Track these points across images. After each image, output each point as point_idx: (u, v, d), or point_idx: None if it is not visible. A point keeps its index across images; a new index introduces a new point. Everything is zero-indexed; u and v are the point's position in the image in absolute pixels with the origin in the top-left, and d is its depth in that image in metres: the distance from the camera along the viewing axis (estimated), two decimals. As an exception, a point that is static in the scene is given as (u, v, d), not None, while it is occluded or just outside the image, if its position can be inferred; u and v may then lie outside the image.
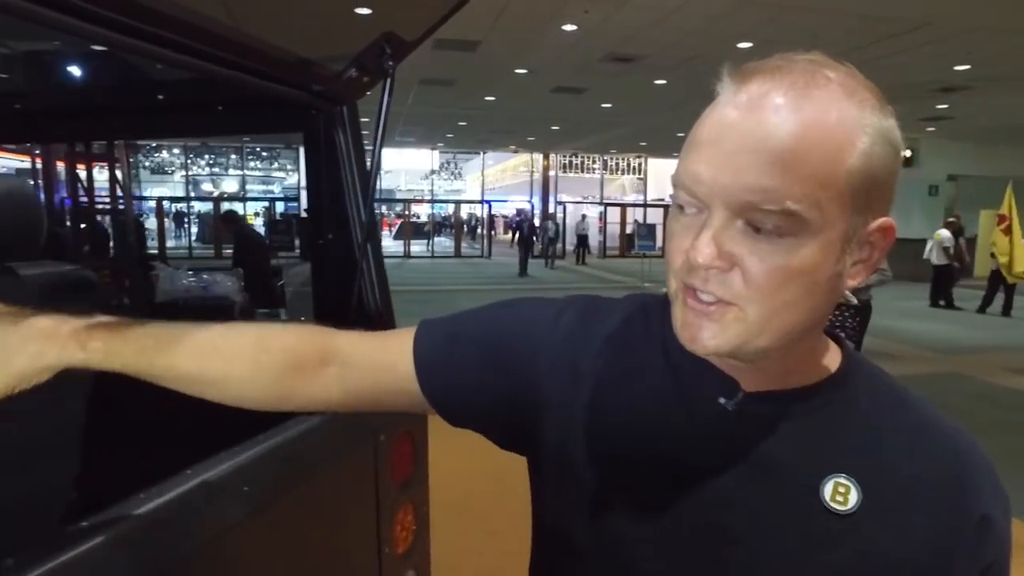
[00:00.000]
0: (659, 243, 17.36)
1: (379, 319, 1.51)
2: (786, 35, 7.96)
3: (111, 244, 7.82)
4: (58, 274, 1.32)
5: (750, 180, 0.51)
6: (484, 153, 29.04)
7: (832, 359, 0.64)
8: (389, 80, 1.38)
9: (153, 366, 0.67)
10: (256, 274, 6.61)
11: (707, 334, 0.56)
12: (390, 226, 28.92)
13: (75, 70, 1.82)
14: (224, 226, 7.62)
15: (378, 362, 0.72)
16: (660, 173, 28.51)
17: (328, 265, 1.54)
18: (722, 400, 0.61)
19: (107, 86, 1.78)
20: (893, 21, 7.63)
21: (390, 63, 1.37)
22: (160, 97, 1.66)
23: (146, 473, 0.94)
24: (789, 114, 0.51)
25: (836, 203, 0.52)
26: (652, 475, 0.63)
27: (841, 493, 0.58)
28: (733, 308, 0.54)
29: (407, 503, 1.54)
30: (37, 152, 11.52)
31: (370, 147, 1.58)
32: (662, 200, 26.08)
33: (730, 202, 0.52)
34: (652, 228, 16.09)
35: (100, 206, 7.78)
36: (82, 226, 7.52)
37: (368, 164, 1.60)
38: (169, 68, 1.65)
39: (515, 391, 0.69)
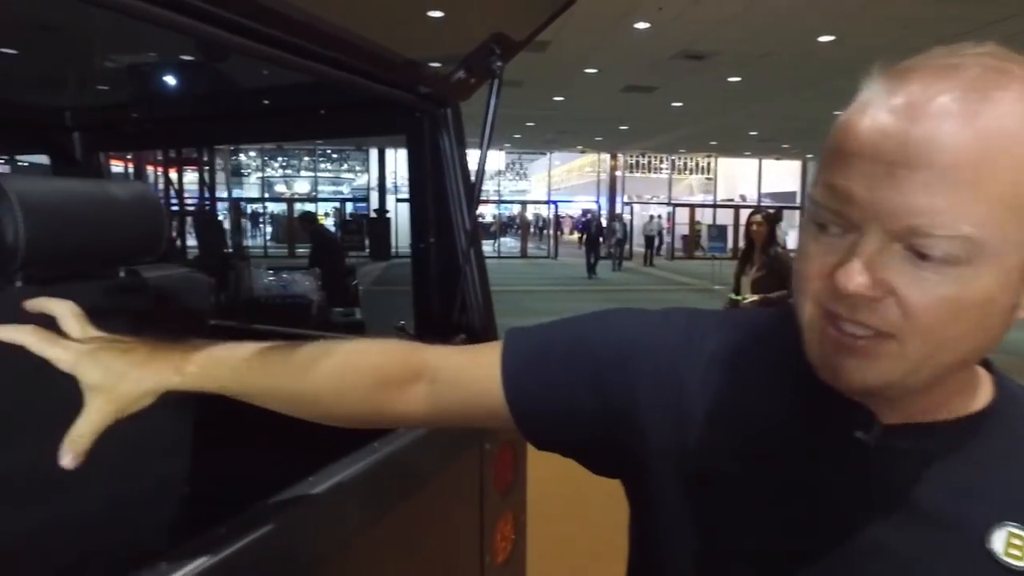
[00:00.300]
0: (730, 244, 16.92)
1: (482, 328, 1.49)
2: (875, 25, 7.58)
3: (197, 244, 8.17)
4: (175, 276, 1.35)
5: (917, 201, 0.44)
6: (551, 153, 28.99)
7: (984, 387, 0.56)
8: (497, 81, 1.36)
9: (246, 387, 0.69)
10: (332, 273, 6.79)
11: (854, 369, 0.49)
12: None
13: (184, 79, 1.88)
14: (302, 226, 7.91)
15: (467, 379, 0.69)
16: (730, 173, 27.83)
17: (430, 270, 1.52)
18: (859, 433, 0.54)
19: (215, 93, 1.83)
20: (1000, 5, 7.13)
21: (498, 64, 1.34)
22: (265, 102, 1.68)
23: (261, 477, 0.94)
24: (964, 121, 0.43)
25: (1022, 225, 0.44)
26: (779, 516, 0.57)
27: (1017, 546, 0.51)
28: (889, 342, 0.47)
29: (507, 512, 1.51)
30: (128, 157, 12.16)
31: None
32: (731, 200, 25.46)
33: (890, 225, 0.45)
34: (723, 229, 15.70)
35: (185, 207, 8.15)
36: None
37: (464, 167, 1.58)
38: (273, 73, 1.68)
39: (611, 410, 0.64)
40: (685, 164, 29.53)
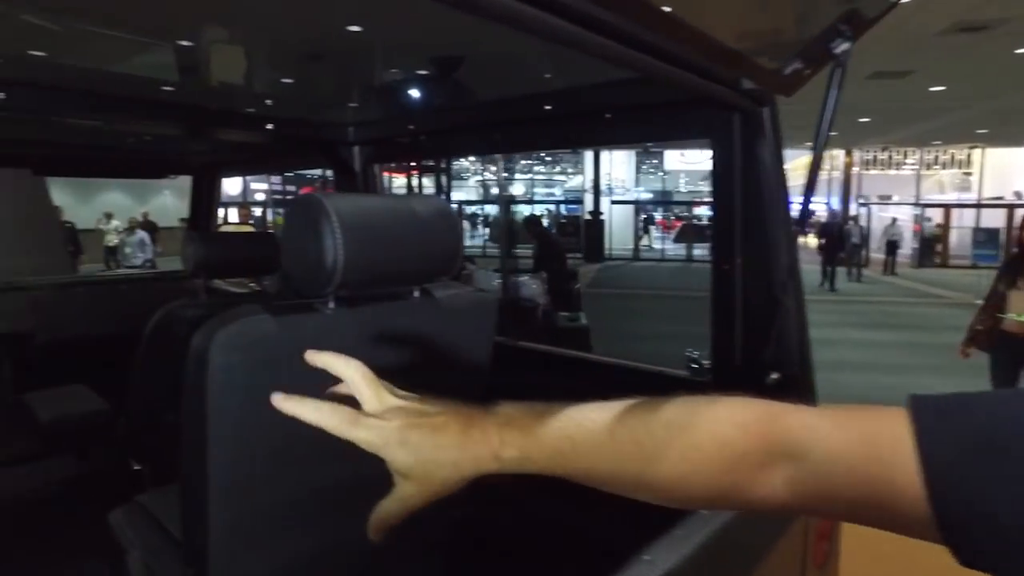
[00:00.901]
0: (1002, 252, 14.35)
1: (800, 370, 1.24)
2: None
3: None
4: (464, 296, 1.29)
5: None
6: (773, 151, 27.01)
7: None
8: (840, 70, 1.11)
9: (570, 471, 0.62)
10: (556, 277, 6.83)
11: None
12: (669, 228, 28.55)
13: (453, 91, 1.87)
14: (528, 229, 8.20)
15: (856, 463, 0.51)
16: (998, 165, 23.69)
17: (733, 296, 1.30)
18: None
19: (480, 104, 1.79)
20: None
21: (844, 47, 1.09)
22: (547, 107, 1.59)
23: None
24: None
25: None
26: None
27: None
28: None
29: (822, 590, 1.25)
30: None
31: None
32: (1001, 198, 21.65)
33: None
34: (994, 234, 13.37)
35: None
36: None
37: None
38: (555, 76, 1.58)
39: None
40: (936, 158, 25.78)
